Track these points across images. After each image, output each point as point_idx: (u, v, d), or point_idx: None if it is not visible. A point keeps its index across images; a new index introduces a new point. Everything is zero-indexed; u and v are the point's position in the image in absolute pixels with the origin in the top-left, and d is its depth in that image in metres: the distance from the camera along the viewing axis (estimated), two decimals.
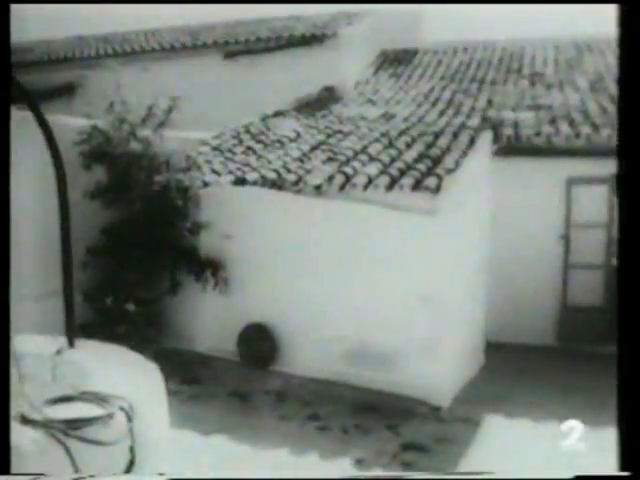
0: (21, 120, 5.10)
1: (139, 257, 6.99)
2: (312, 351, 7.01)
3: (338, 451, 5.39)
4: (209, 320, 7.52)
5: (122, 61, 11.93)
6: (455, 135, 7.62)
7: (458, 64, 12.00)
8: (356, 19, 11.87)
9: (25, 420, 3.21)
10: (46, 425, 3.17)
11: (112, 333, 6.38)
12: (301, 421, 6.03)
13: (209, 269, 7.33)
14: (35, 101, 4.21)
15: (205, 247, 7.46)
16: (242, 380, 6.95)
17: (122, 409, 3.42)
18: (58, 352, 4.24)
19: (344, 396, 6.54)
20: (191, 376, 6.87)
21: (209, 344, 7.51)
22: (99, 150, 7.06)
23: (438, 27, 12.69)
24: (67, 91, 11.82)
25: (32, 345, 4.23)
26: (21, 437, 3.13)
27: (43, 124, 4.17)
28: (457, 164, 6.76)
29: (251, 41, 11.72)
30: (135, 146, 7.18)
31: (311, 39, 11.38)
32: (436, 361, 6.42)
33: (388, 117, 9.57)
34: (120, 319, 6.83)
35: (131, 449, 3.40)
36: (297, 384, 6.85)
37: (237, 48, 11.76)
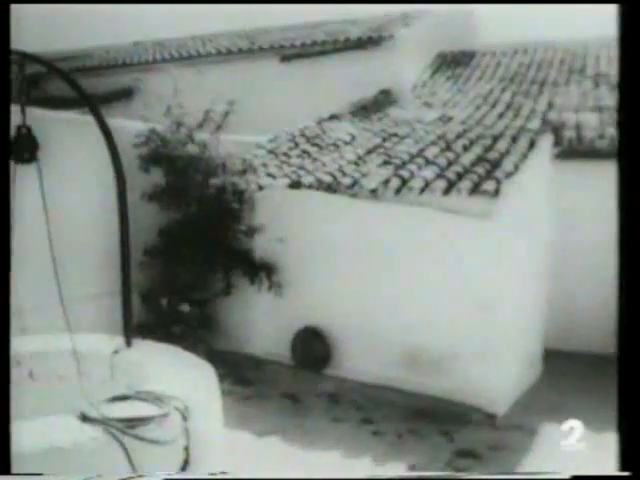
0: (82, 123, 5.23)
1: (194, 259, 7.07)
2: (366, 355, 6.96)
3: (392, 456, 5.36)
4: (263, 322, 7.55)
5: (179, 65, 12.13)
6: (514, 138, 7.47)
7: (518, 65, 11.76)
8: (413, 21, 11.77)
9: (84, 418, 3.27)
10: (104, 423, 3.23)
11: (167, 333, 6.47)
12: (354, 424, 6.00)
13: (263, 272, 7.36)
14: (96, 105, 4.30)
15: (260, 250, 7.49)
16: (295, 382, 6.96)
17: (177, 409, 3.46)
18: (115, 351, 4.33)
19: (398, 401, 6.49)
20: (244, 377, 6.91)
21: (262, 346, 7.54)
22: (157, 153, 7.17)
23: (496, 28, 12.45)
24: (125, 95, 12.06)
25: (91, 344, 4.33)
26: (80, 435, 3.19)
27: (104, 127, 4.25)
28: (516, 167, 6.63)
29: (307, 44, 11.73)
30: (192, 149, 7.27)
31: (367, 42, 11.33)
32: (492, 367, 6.30)
33: (445, 120, 9.45)
34: (175, 320, 6.92)
35: (186, 448, 3.44)
36: (350, 388, 6.81)
37: (293, 51, 11.79)
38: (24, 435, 3.17)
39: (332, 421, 6.07)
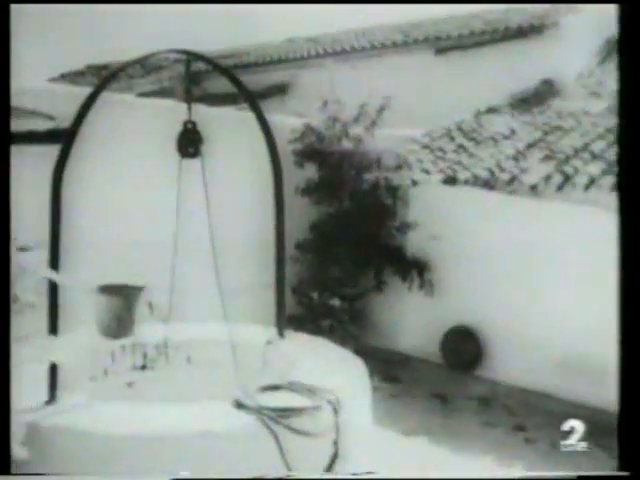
0: (242, 119, 5.40)
1: (346, 254, 7.12)
2: (520, 358, 6.70)
3: (545, 466, 5.10)
4: (413, 320, 7.47)
5: (333, 60, 12.27)
6: None
7: None
8: (580, 7, 11.12)
9: (239, 405, 3.37)
10: (258, 411, 3.30)
11: (317, 327, 6.57)
12: (506, 430, 5.80)
13: (415, 269, 7.28)
14: (256, 101, 4.41)
15: (412, 247, 7.41)
16: (444, 383, 6.84)
17: (329, 402, 3.46)
18: (269, 342, 4.42)
19: (554, 408, 6.18)
20: (392, 374, 6.87)
21: (412, 344, 7.46)
22: (311, 148, 7.29)
23: None
24: (280, 91, 12.37)
25: (245, 334, 4.46)
26: (234, 421, 3.29)
27: (263, 123, 4.34)
28: None
29: (464, 36, 11.43)
30: (346, 144, 7.32)
31: (529, 30, 10.84)
32: None
33: (614, 111, 8.86)
34: (325, 314, 7.01)
35: (335, 443, 3.43)
36: (502, 392, 6.60)
37: (449, 43, 11.54)
38: (181, 418, 3.31)
39: (483, 425, 5.90)
